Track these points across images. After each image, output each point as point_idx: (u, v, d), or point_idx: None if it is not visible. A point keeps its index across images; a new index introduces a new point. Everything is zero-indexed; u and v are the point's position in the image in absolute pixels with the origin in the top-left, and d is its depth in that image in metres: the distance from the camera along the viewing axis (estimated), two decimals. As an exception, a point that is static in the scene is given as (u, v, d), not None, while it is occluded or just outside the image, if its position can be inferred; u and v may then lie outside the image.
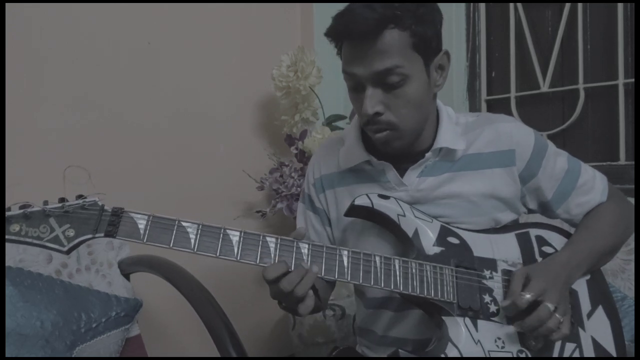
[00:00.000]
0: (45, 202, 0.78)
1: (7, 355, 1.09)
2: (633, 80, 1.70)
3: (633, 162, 1.71)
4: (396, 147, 0.96)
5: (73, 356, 1.19)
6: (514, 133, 1.01)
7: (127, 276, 1.42)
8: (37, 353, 1.12)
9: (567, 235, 1.04)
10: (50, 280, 1.25)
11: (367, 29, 0.86)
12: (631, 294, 1.41)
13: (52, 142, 1.49)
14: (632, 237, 1.12)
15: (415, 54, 0.90)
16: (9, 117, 1.38)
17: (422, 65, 0.92)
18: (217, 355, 1.15)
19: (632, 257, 1.44)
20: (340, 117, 1.90)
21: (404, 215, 0.96)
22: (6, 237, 0.75)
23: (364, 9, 0.87)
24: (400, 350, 0.86)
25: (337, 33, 0.91)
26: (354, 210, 0.98)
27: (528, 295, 0.86)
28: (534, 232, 1.02)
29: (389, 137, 0.94)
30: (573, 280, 0.96)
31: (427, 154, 0.99)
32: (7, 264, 1.21)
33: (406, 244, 0.96)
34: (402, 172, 1.01)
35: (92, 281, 1.35)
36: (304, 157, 1.82)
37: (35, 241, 0.76)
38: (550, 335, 0.86)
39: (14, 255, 1.24)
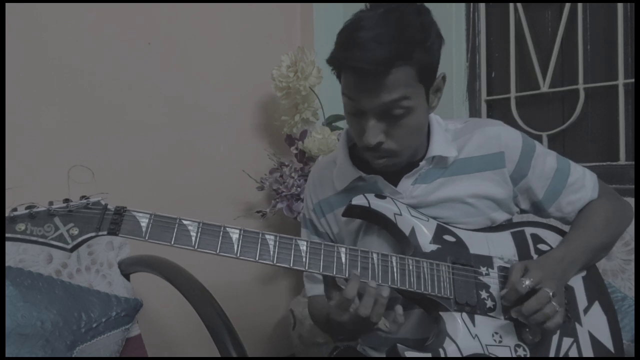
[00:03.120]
0: (50, 203, 0.80)
1: (7, 355, 1.09)
2: (633, 80, 1.70)
3: (633, 162, 1.71)
4: (394, 169, 0.97)
5: (73, 356, 1.19)
6: (501, 136, 1.02)
7: (127, 276, 1.43)
8: (37, 353, 1.13)
9: (561, 233, 1.05)
10: (51, 280, 1.25)
11: (375, 67, 0.84)
12: (631, 294, 1.41)
13: (54, 143, 1.49)
14: (632, 237, 1.12)
15: (419, 85, 0.90)
16: (10, 117, 1.38)
17: (424, 94, 0.92)
18: (217, 355, 1.15)
19: (632, 257, 1.44)
20: (340, 117, 1.91)
21: (401, 214, 0.97)
22: (12, 235, 0.77)
23: (372, 44, 0.84)
24: (398, 345, 0.86)
25: (341, 65, 0.90)
26: (351, 210, 0.98)
27: (528, 282, 0.87)
28: (529, 230, 1.03)
29: (388, 163, 0.95)
30: (568, 277, 0.97)
31: (422, 163, 1.00)
32: (7, 264, 1.22)
33: (403, 243, 0.96)
34: (395, 181, 1.01)
35: (92, 281, 1.35)
36: (304, 157, 1.83)
37: (40, 239, 0.78)
38: (545, 322, 0.86)
39: (14, 255, 1.25)
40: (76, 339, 1.21)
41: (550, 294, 0.86)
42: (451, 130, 1.05)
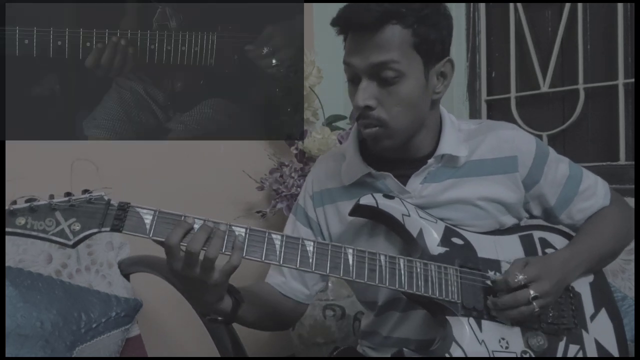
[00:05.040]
0: (52, 196, 0.77)
1: (7, 355, 1.08)
2: (633, 80, 1.71)
3: (633, 162, 1.71)
4: (385, 147, 0.95)
5: (73, 356, 1.19)
6: (515, 140, 1.01)
7: (127, 276, 1.42)
8: (37, 353, 1.12)
9: (569, 237, 1.05)
10: (50, 281, 1.25)
11: (369, 21, 0.88)
12: (631, 294, 1.41)
13: (53, 141, 1.49)
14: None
15: (416, 54, 0.90)
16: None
17: (421, 67, 0.92)
18: (217, 355, 1.15)
19: (632, 257, 1.44)
20: (340, 117, 1.90)
21: (409, 215, 0.96)
22: (12, 230, 0.74)
23: (371, 2, 0.88)
24: (404, 349, 0.86)
25: (341, 23, 0.92)
26: (359, 210, 0.97)
27: (521, 276, 0.87)
28: (537, 234, 1.02)
29: (378, 134, 0.94)
30: (570, 280, 0.96)
31: (430, 160, 0.99)
32: (7, 264, 1.21)
33: (411, 244, 0.95)
34: (404, 179, 1.00)
35: (92, 281, 1.34)
36: (304, 157, 1.82)
37: (40, 234, 0.75)
38: (519, 320, 0.88)
39: (14, 255, 1.24)
40: (76, 339, 1.21)
41: (532, 295, 0.86)
42: (464, 130, 1.04)
